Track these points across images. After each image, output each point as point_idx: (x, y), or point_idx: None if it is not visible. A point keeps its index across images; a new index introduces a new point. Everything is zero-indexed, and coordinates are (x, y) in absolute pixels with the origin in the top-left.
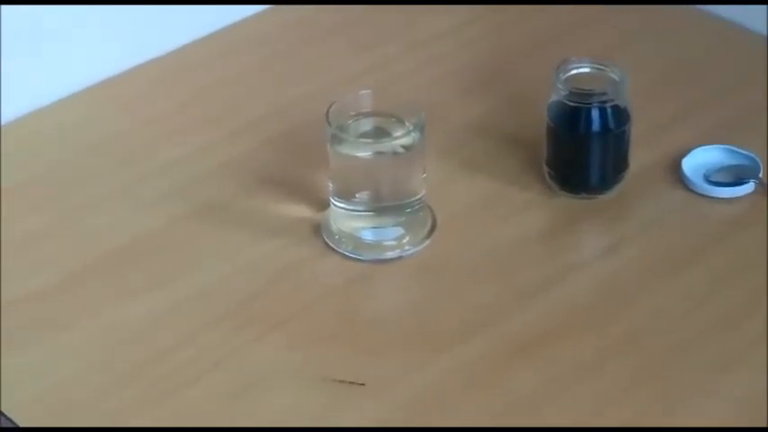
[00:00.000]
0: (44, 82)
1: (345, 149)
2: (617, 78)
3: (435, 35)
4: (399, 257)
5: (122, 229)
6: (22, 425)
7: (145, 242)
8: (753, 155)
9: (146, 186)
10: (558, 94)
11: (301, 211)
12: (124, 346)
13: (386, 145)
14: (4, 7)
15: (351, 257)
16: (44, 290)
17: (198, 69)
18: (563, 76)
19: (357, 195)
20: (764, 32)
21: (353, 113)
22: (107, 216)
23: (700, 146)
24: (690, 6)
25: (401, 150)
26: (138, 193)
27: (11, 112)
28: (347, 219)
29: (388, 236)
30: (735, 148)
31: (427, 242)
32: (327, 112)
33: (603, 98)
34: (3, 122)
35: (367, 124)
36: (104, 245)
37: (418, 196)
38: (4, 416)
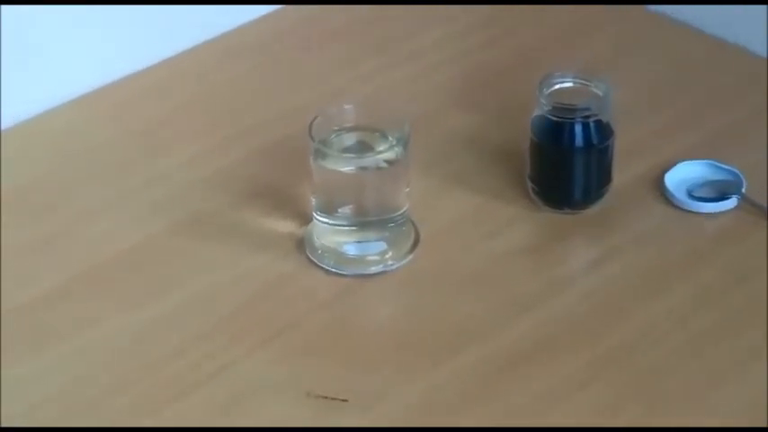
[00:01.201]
0: (35, 90)
1: (328, 164)
2: (600, 93)
3: (421, 48)
4: (383, 272)
5: (108, 243)
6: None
7: (131, 256)
8: (736, 170)
9: (132, 199)
10: (541, 108)
11: (285, 225)
12: (109, 361)
13: (369, 159)
14: None
15: (333, 272)
16: (29, 303)
17: (190, 78)
18: (546, 91)
19: (340, 210)
20: (750, 48)
21: (336, 128)
22: (92, 230)
23: (683, 161)
24: (678, 21)
25: (384, 165)
26: (124, 206)
27: (3, 119)
28: (330, 233)
29: (372, 250)
30: (718, 163)
31: (410, 257)
32: (310, 126)
33: (587, 113)
34: None
35: (350, 138)
36: (90, 259)
37: (401, 211)
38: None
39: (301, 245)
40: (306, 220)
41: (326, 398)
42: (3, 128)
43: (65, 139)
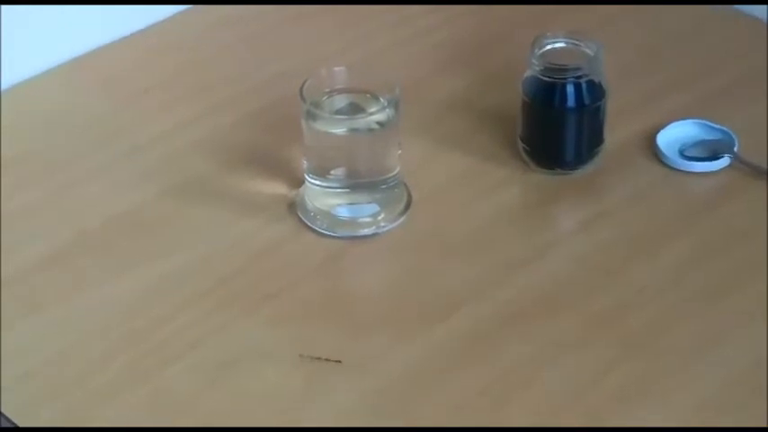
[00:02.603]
0: (22, 57)
1: (320, 126)
2: (592, 53)
3: (414, 12)
4: (375, 234)
5: (100, 207)
6: (5, 404)
7: (123, 220)
8: (728, 130)
9: (122, 165)
10: (532, 69)
11: (277, 187)
12: (103, 326)
13: (361, 121)
14: None
15: (326, 235)
16: (20, 271)
17: (177, 45)
18: (538, 51)
19: (332, 172)
20: (740, 9)
21: (328, 90)
22: (84, 195)
23: (675, 121)
24: None
25: (376, 127)
26: (114, 171)
27: None
28: (322, 196)
29: (364, 213)
30: (710, 123)
31: (402, 219)
32: (301, 88)
33: (578, 73)
34: None
35: (342, 101)
36: (82, 224)
37: (393, 173)
38: None
39: (293, 208)
40: (298, 183)
41: (320, 359)
42: None
43: (54, 106)
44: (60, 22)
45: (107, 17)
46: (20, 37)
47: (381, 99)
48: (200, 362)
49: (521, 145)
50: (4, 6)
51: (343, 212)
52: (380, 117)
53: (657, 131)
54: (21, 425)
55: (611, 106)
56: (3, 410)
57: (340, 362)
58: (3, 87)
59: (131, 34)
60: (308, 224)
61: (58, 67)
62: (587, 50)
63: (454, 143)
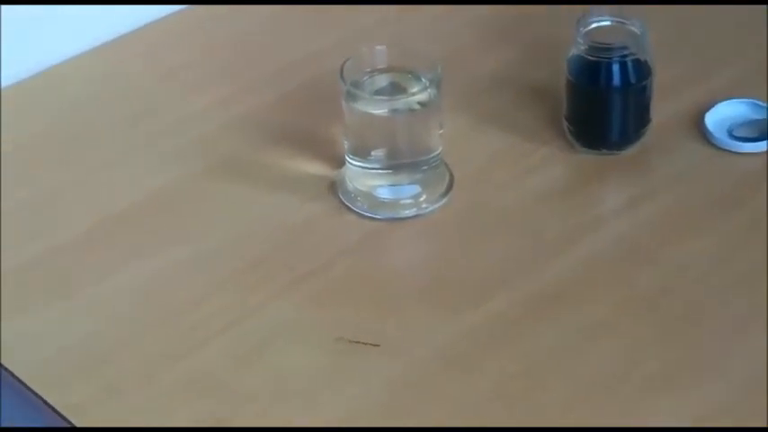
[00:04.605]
0: (56, 38)
1: (360, 107)
2: (638, 32)
3: None
4: (416, 216)
5: (136, 186)
6: (30, 384)
7: (159, 199)
8: None
9: (159, 143)
10: (577, 48)
11: (317, 168)
12: (138, 305)
13: (402, 102)
14: None
15: (367, 216)
16: (54, 250)
17: (213, 23)
18: (583, 30)
19: (373, 153)
20: None
21: (369, 69)
22: (119, 174)
23: (723, 100)
24: None
25: (417, 107)
26: (151, 149)
27: (16, 71)
28: (363, 177)
29: (405, 194)
30: (759, 102)
31: (445, 200)
32: (342, 68)
33: (624, 52)
34: (9, 81)
35: (382, 80)
36: (117, 203)
37: (435, 153)
38: (16, 378)
39: (334, 188)
40: (339, 163)
41: (358, 342)
42: (12, 81)
43: (92, 85)
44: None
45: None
46: (58, 16)
47: (423, 78)
48: (235, 341)
49: (565, 124)
50: None
51: (384, 193)
52: (422, 97)
53: (706, 111)
54: (51, 403)
55: (658, 85)
56: (32, 388)
57: (378, 345)
58: (27, 75)
59: (171, 13)
60: (349, 205)
61: (97, 47)
62: (633, 29)
63: (497, 121)
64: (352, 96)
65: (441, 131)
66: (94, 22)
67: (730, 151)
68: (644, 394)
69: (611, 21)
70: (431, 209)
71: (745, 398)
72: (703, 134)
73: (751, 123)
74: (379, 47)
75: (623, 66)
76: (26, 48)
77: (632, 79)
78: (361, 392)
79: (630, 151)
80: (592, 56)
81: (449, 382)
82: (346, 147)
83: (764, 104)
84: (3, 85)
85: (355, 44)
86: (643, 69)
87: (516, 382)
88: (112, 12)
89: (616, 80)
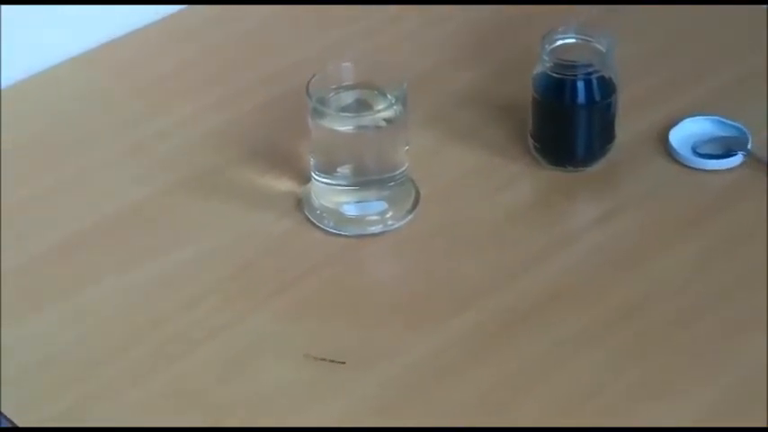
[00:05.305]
0: (56, 38)
1: (326, 123)
2: (603, 49)
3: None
4: (383, 232)
5: (106, 201)
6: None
7: (131, 214)
8: (741, 126)
9: (130, 158)
10: (543, 65)
11: (284, 183)
12: (112, 319)
13: (368, 118)
14: None
15: (333, 233)
16: (35, 259)
17: (188, 36)
18: (548, 47)
19: (339, 170)
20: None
21: (335, 86)
22: (91, 188)
23: (688, 116)
24: None
25: (383, 124)
26: (122, 165)
27: (16, 71)
28: (329, 193)
29: (372, 210)
30: (723, 119)
31: (411, 216)
32: (308, 84)
33: (589, 69)
34: (9, 81)
35: (348, 97)
36: (89, 217)
37: (401, 169)
38: None
39: (301, 204)
40: (305, 178)
41: (324, 360)
42: (3, 86)
43: (65, 97)
44: (75, 12)
45: (119, 9)
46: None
47: (389, 95)
48: (205, 359)
49: (531, 141)
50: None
51: (351, 210)
52: (388, 114)
53: (670, 127)
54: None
55: (623, 102)
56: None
57: (344, 363)
58: (18, 78)
59: (143, 26)
60: (316, 222)
61: (71, 59)
62: (598, 46)
63: (464, 137)
64: (318, 113)
65: (407, 148)
66: (94, 22)
67: (695, 168)
68: (624, 404)
69: (576, 38)
70: (397, 225)
71: (727, 405)
72: (668, 151)
73: (716, 140)
74: (345, 63)
75: (588, 83)
76: (26, 48)
77: (597, 96)
78: (331, 408)
79: (596, 168)
80: (557, 73)
81: (421, 396)
82: (312, 163)
83: (729, 121)
84: (3, 85)
85: (324, 59)
86: (608, 86)
87: (492, 396)
88: (113, 12)
89: (581, 97)
